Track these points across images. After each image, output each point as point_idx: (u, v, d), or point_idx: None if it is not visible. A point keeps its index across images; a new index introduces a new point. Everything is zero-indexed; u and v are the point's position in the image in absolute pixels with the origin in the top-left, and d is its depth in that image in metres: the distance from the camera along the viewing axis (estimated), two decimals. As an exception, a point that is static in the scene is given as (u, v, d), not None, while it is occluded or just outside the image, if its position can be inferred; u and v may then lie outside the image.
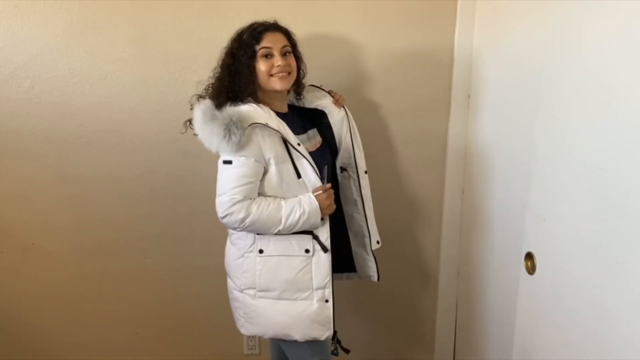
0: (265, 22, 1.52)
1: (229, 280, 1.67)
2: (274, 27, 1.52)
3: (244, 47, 1.48)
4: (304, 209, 1.49)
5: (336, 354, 1.63)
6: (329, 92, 1.70)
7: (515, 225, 1.65)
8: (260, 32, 1.48)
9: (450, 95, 1.99)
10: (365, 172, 1.70)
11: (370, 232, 1.73)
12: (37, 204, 1.94)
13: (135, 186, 1.96)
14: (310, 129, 1.65)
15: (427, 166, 2.08)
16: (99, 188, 1.94)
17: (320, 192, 1.53)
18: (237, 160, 1.44)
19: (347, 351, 1.68)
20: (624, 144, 1.08)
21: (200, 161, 1.94)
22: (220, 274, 1.89)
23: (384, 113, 2.00)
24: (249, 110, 1.45)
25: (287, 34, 1.54)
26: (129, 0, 1.78)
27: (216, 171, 1.90)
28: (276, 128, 1.45)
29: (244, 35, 1.50)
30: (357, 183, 1.69)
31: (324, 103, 1.66)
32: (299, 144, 1.49)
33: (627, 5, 1.05)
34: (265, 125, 1.44)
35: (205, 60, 1.83)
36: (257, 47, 1.48)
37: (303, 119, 1.65)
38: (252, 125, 1.41)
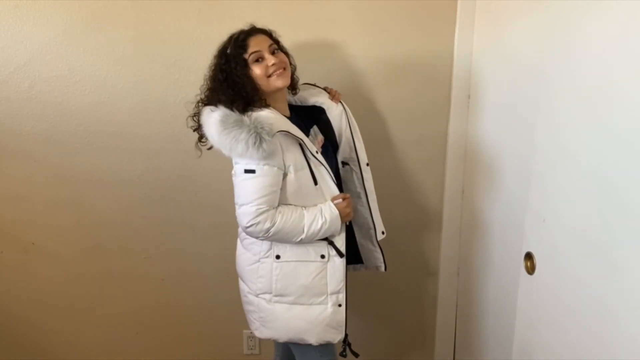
0: (243, 29, 1.52)
1: (241, 283, 1.67)
2: (254, 30, 1.51)
3: (233, 60, 1.47)
4: (325, 218, 1.50)
5: (344, 356, 1.64)
6: (325, 89, 1.71)
7: (515, 225, 1.65)
8: (244, 39, 1.48)
9: (450, 95, 1.99)
10: (367, 165, 1.71)
11: (375, 224, 1.73)
12: (37, 204, 1.94)
13: (135, 186, 1.96)
14: (311, 127, 1.65)
15: (428, 166, 2.08)
16: (99, 188, 1.95)
17: (340, 200, 1.54)
18: (261, 169, 1.41)
19: (356, 355, 1.69)
20: (624, 145, 1.08)
21: (200, 161, 1.94)
22: (220, 274, 1.90)
23: (384, 114, 2.00)
24: (271, 116, 1.43)
25: (268, 33, 1.54)
26: (129, 0, 1.78)
27: (217, 171, 1.90)
28: (298, 135, 1.46)
29: (228, 50, 1.49)
30: (359, 176, 1.70)
31: (322, 99, 1.68)
32: (317, 152, 1.51)
33: (625, 6, 1.05)
34: (288, 133, 1.43)
35: (205, 61, 1.81)
36: (246, 55, 1.47)
37: (303, 118, 1.65)
38: (276, 134, 1.40)
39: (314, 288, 1.55)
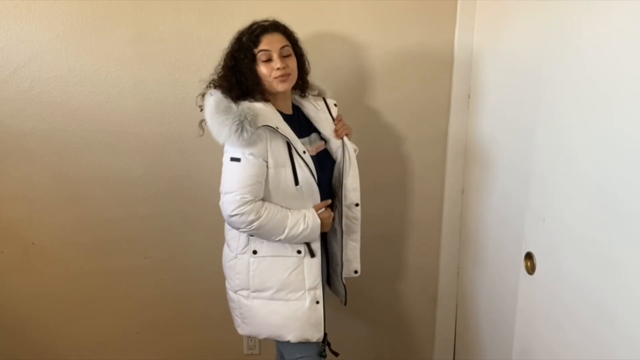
0: (264, 22, 1.51)
1: (225, 281, 1.68)
2: (272, 27, 1.50)
3: (244, 51, 1.48)
4: (307, 224, 1.50)
5: (324, 357, 1.64)
6: (335, 118, 1.66)
7: (515, 225, 1.65)
8: (258, 34, 1.48)
9: (450, 95, 1.99)
10: (357, 205, 1.65)
11: (344, 263, 1.71)
12: (37, 204, 1.94)
13: (135, 186, 1.96)
14: (314, 131, 1.64)
15: (427, 166, 2.08)
16: (98, 188, 1.95)
17: (323, 209, 1.55)
18: (246, 158, 1.43)
19: (336, 354, 1.70)
20: (623, 145, 1.08)
21: (200, 161, 1.94)
22: (220, 273, 1.90)
23: (384, 113, 2.00)
24: (263, 109, 1.46)
25: (286, 32, 1.52)
26: (129, 0, 1.78)
27: (216, 171, 1.90)
28: (285, 133, 1.46)
29: (244, 38, 1.49)
30: (340, 213, 1.66)
31: (324, 127, 1.63)
32: (304, 152, 1.49)
33: (626, 5, 1.05)
34: (276, 129, 1.44)
35: (205, 60, 1.83)
36: (256, 51, 1.47)
37: (309, 121, 1.64)
38: (263, 127, 1.43)
39: (291, 283, 1.55)
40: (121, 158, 1.92)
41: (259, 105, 1.46)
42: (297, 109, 1.63)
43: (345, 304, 1.79)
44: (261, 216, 1.45)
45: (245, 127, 1.38)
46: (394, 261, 2.17)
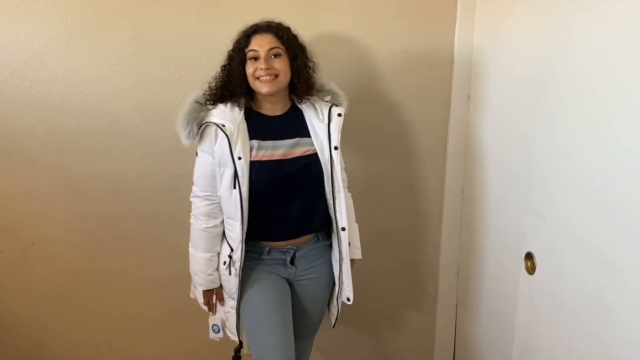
0: (260, 22, 1.52)
1: None
2: (264, 28, 1.50)
3: (236, 50, 1.52)
4: (193, 278, 1.63)
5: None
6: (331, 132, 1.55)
7: (515, 225, 1.65)
8: (249, 35, 1.50)
9: (450, 95, 1.99)
10: (343, 230, 1.56)
11: (343, 286, 1.64)
12: (37, 203, 1.94)
13: (135, 186, 1.96)
14: (304, 137, 1.55)
15: (427, 166, 2.08)
16: (98, 188, 1.95)
17: (206, 301, 1.66)
18: (200, 153, 1.53)
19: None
20: (623, 144, 1.08)
21: (200, 161, 1.94)
22: (220, 274, 1.89)
23: (383, 113, 2.00)
24: (219, 110, 1.50)
25: (278, 34, 1.50)
26: (129, 0, 1.78)
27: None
28: (227, 133, 1.45)
29: (239, 37, 1.53)
30: (337, 238, 1.59)
31: (317, 136, 1.54)
32: (239, 158, 1.46)
33: (625, 7, 1.05)
34: (222, 127, 1.46)
35: (205, 60, 1.83)
36: (246, 50, 1.50)
37: (302, 124, 1.56)
38: (208, 124, 1.48)
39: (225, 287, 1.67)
40: (121, 158, 1.93)
41: (221, 107, 1.50)
42: (295, 112, 1.59)
43: (333, 326, 1.74)
44: (193, 215, 1.58)
45: (191, 124, 1.48)
46: (393, 261, 2.17)
